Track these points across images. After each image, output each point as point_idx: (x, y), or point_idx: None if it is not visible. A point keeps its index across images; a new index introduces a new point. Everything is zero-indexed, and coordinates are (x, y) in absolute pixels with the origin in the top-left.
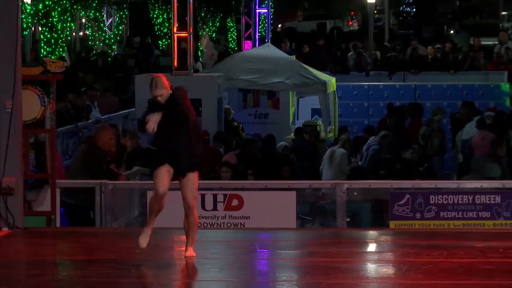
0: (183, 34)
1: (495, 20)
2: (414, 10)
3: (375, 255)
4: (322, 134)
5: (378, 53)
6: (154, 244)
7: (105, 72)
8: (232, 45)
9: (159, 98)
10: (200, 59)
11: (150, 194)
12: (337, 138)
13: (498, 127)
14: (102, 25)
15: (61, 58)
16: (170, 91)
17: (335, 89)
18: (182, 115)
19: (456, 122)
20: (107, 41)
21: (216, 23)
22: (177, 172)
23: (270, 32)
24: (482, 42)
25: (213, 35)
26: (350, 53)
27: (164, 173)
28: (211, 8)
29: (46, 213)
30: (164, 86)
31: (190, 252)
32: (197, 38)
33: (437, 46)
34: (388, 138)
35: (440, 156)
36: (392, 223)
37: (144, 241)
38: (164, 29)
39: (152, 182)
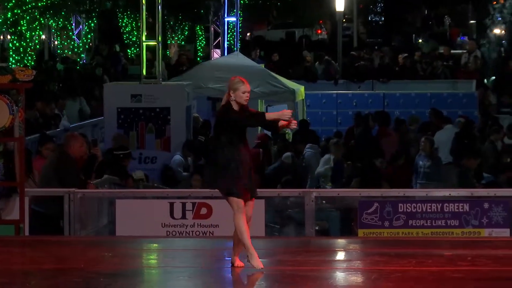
0: (152, 43)
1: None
2: (383, 19)
3: (343, 263)
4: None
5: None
6: (122, 253)
7: (73, 81)
8: (200, 53)
9: (247, 96)
10: None
11: (119, 202)
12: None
13: (466, 136)
14: (70, 33)
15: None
16: None
17: (304, 97)
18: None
19: (426, 130)
20: (75, 50)
21: (185, 32)
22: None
23: (239, 40)
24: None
25: (182, 44)
26: (317, 63)
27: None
28: (180, 17)
29: (15, 222)
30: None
31: (239, 262)
32: (165, 46)
33: (405, 55)
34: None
35: None
36: (360, 232)
37: (258, 262)
38: (133, 37)
39: (121, 190)
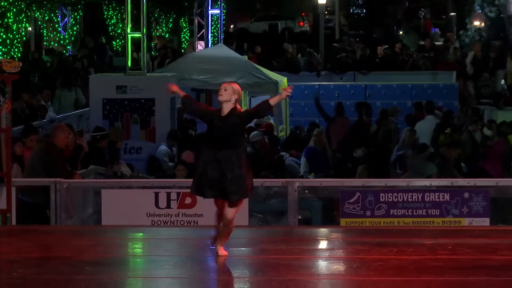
0: (137, 35)
1: (442, 21)
2: (365, 11)
3: (326, 252)
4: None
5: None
6: (108, 242)
7: (58, 73)
8: (185, 45)
9: (221, 94)
10: None
11: (104, 192)
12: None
13: (447, 126)
14: (56, 25)
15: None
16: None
17: None
18: (237, 132)
19: (411, 122)
20: (61, 42)
21: (169, 24)
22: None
23: (222, 32)
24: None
25: (167, 36)
26: (299, 55)
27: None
28: (164, 9)
29: (2, 211)
30: (232, 90)
31: (222, 251)
32: (150, 38)
33: (385, 46)
34: (413, 134)
35: None
36: (342, 221)
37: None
38: (118, 29)
39: (107, 180)
